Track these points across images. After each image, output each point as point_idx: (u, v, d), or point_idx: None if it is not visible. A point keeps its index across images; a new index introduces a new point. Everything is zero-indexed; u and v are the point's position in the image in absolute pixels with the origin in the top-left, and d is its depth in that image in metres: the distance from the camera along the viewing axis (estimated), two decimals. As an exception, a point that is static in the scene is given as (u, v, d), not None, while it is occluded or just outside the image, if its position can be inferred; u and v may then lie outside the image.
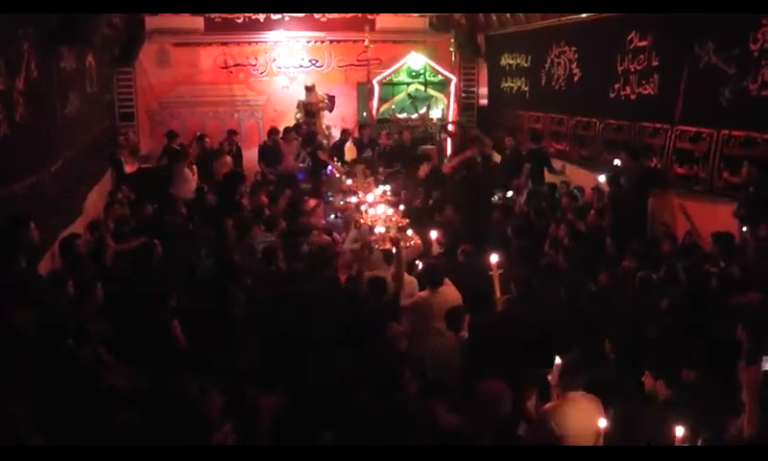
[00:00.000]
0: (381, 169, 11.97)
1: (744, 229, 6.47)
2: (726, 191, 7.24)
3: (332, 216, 9.84)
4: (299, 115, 13.45)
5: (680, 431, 3.41)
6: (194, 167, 10.44)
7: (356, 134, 13.02)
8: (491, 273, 5.61)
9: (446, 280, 6.02)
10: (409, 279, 6.51)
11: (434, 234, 7.22)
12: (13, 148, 5.81)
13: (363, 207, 7.79)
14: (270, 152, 12.09)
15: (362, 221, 7.31)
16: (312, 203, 9.43)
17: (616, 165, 8.90)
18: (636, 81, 8.87)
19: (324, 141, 13.01)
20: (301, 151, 12.33)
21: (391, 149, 12.74)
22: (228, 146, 12.20)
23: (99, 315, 5.06)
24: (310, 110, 13.18)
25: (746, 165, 6.78)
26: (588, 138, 10.15)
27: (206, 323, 5.22)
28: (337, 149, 12.54)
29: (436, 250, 7.35)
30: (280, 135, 12.25)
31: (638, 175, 8.37)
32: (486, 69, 14.30)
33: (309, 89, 13.23)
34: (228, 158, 11.60)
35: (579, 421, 4.03)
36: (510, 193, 9.97)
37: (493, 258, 5.62)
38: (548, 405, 4.17)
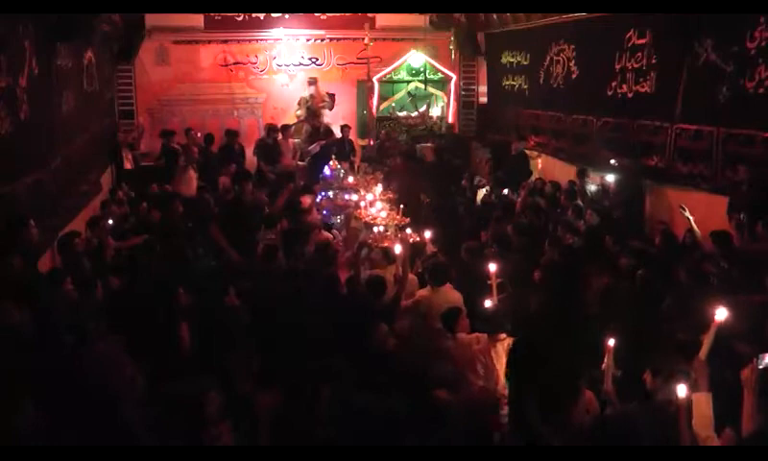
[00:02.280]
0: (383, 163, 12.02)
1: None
2: (730, 188, 7.25)
3: (335, 217, 9.85)
4: (299, 112, 13.44)
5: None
6: (194, 166, 10.44)
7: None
8: (489, 282, 5.54)
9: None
10: (410, 278, 6.50)
11: (428, 234, 7.15)
12: (16, 146, 5.81)
13: (362, 204, 7.81)
14: (269, 150, 12.13)
15: (361, 218, 7.34)
16: (307, 200, 9.43)
17: (613, 163, 8.97)
18: (634, 79, 8.88)
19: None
20: (298, 149, 12.40)
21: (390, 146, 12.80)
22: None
23: (99, 313, 5.05)
24: (312, 108, 13.19)
25: (740, 165, 6.84)
26: (586, 136, 10.16)
27: (205, 321, 5.22)
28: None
29: (429, 249, 7.30)
30: (279, 134, 12.28)
31: (634, 172, 8.45)
32: (486, 67, 14.31)
33: (312, 82, 13.19)
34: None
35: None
36: (506, 191, 9.98)
37: (492, 267, 5.56)
38: None
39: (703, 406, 3.64)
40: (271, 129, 12.43)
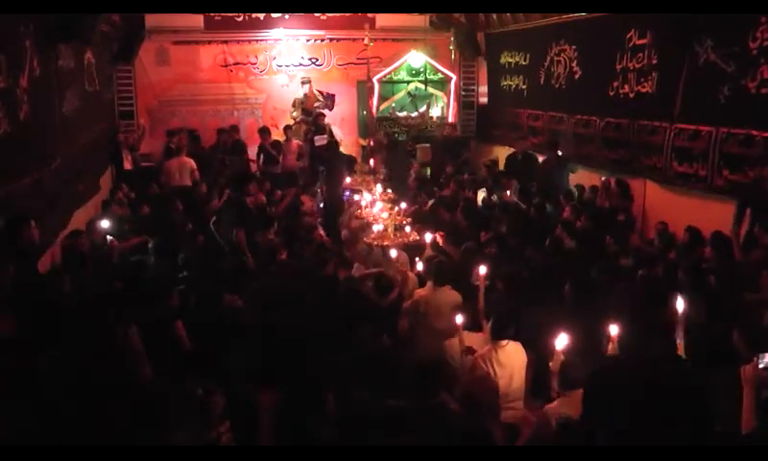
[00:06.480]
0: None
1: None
2: (726, 189, 7.25)
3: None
4: (294, 114, 13.44)
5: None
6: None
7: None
8: (477, 283, 5.48)
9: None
10: (409, 277, 6.49)
11: (428, 237, 7.11)
12: (16, 146, 5.81)
13: (363, 203, 7.81)
14: (271, 150, 12.17)
15: (361, 217, 7.34)
16: (308, 201, 9.47)
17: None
18: (634, 79, 8.88)
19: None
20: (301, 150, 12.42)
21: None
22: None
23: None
24: (307, 109, 13.17)
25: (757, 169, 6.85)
26: (588, 137, 10.16)
27: (206, 322, 5.22)
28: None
29: (428, 252, 7.27)
30: (271, 135, 12.34)
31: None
32: (485, 67, 14.31)
33: (305, 82, 13.16)
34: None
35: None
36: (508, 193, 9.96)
37: (482, 269, 5.50)
38: (550, 405, 4.16)
39: None
40: (264, 130, 12.51)
